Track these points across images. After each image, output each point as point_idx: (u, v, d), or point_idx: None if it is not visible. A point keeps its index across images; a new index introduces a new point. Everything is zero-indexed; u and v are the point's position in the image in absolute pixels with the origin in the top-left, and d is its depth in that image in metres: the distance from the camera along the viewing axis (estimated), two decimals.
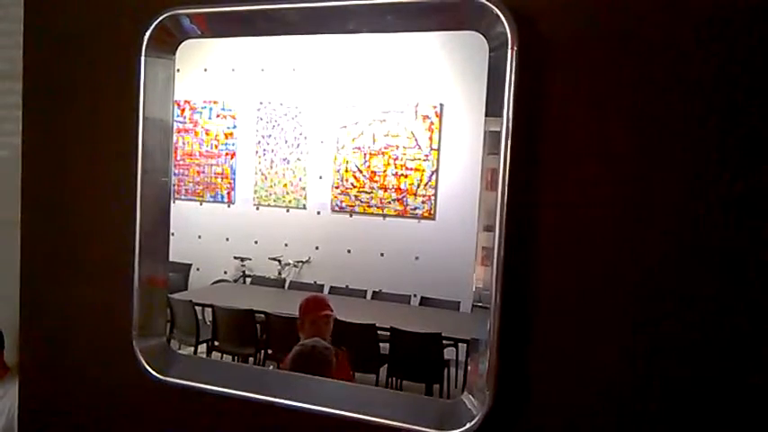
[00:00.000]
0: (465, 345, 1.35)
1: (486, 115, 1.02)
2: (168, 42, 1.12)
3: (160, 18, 1.08)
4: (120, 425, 1.21)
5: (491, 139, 1.01)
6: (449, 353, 1.54)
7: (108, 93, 1.18)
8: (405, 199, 1.65)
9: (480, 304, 1.02)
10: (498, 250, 0.96)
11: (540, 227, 0.99)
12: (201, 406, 1.14)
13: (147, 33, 1.09)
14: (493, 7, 0.95)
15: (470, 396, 1.01)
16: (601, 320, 0.97)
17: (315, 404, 1.05)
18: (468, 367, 1.07)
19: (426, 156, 1.64)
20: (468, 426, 0.96)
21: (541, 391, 1.00)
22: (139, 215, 1.12)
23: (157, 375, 1.11)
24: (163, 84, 1.15)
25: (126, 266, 1.12)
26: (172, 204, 1.82)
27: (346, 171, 1.71)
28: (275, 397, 1.07)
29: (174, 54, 1.15)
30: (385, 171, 1.66)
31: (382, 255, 1.70)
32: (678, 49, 0.91)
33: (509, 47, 0.94)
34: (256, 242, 1.84)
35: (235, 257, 1.84)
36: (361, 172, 1.69)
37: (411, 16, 1.04)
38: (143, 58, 1.10)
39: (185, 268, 1.81)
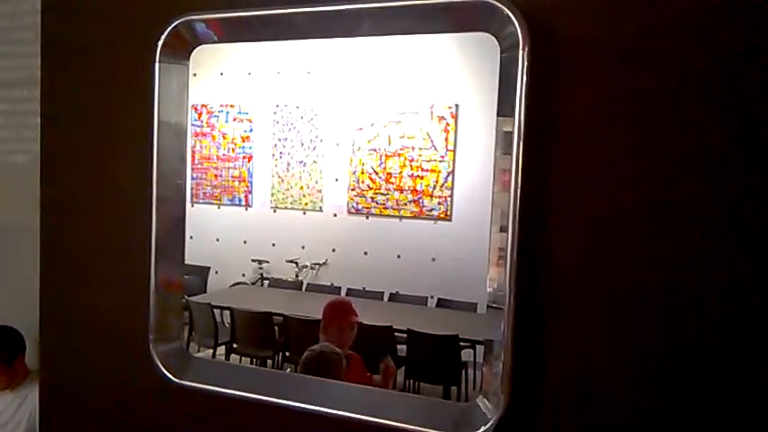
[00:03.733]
0: (483, 346, 1.34)
1: (499, 115, 1.01)
2: (182, 48, 1.13)
3: (173, 24, 1.09)
4: (138, 428, 1.23)
5: (504, 140, 1.00)
6: (467, 354, 1.53)
7: (123, 99, 1.19)
8: (421, 200, 1.65)
9: (495, 305, 1.02)
10: (511, 251, 0.96)
11: (554, 228, 0.98)
12: (218, 409, 1.15)
13: (161, 40, 1.10)
14: (503, 8, 0.94)
15: (485, 399, 1.01)
16: (616, 322, 0.96)
17: (330, 407, 1.05)
18: (484, 369, 1.06)
19: (442, 157, 1.64)
20: (482, 429, 0.96)
21: (556, 393, 0.99)
22: (155, 219, 1.13)
23: (174, 379, 1.12)
24: (177, 89, 1.16)
25: (142, 270, 1.13)
26: (190, 208, 1.84)
27: (362, 173, 1.71)
28: (290, 400, 1.07)
29: (188, 60, 1.16)
30: (401, 172, 1.66)
31: (399, 256, 1.70)
32: (689, 49, 0.90)
33: (520, 47, 0.94)
34: (274, 245, 1.85)
35: (252, 260, 1.85)
36: (377, 174, 1.69)
37: (421, 18, 1.04)
38: (157, 65, 1.11)
39: (204, 271, 1.83)
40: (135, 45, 1.16)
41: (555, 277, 0.98)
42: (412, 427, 1.00)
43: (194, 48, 1.15)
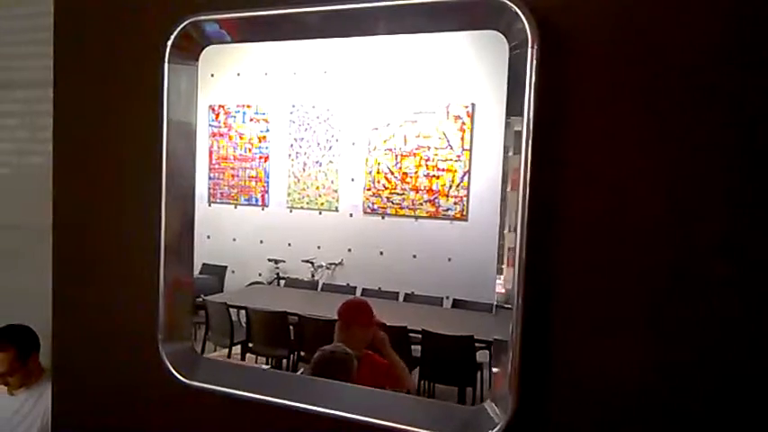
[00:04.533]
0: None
1: (508, 115, 1.00)
2: (191, 49, 1.13)
3: (182, 25, 1.10)
4: (148, 426, 1.24)
5: (515, 139, 0.99)
6: (482, 356, 1.52)
7: (134, 99, 1.21)
8: (437, 200, 1.64)
9: (507, 306, 1.01)
10: (520, 250, 0.94)
11: (564, 227, 0.97)
12: (226, 409, 1.15)
13: (170, 41, 1.10)
14: (512, 5, 0.93)
15: (493, 404, 0.99)
16: (627, 323, 0.94)
17: (337, 409, 1.05)
18: (494, 370, 1.05)
19: (458, 156, 1.62)
20: None
21: (566, 397, 0.98)
22: (164, 218, 1.13)
23: (183, 379, 1.13)
24: (187, 89, 1.16)
25: (151, 270, 1.14)
26: (208, 208, 1.86)
27: (378, 173, 1.70)
28: (298, 401, 1.07)
29: (197, 60, 1.16)
30: (416, 172, 1.65)
31: (414, 256, 1.69)
32: (698, 47, 0.88)
33: (529, 45, 0.92)
34: (290, 245, 1.85)
35: (269, 260, 1.85)
36: (392, 173, 1.68)
37: (429, 17, 1.03)
38: (166, 65, 1.11)
39: (221, 270, 1.84)
40: (145, 46, 1.17)
41: (564, 277, 0.97)
42: (418, 430, 0.99)
43: (203, 48, 1.15)
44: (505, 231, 1.03)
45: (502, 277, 1.03)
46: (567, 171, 0.96)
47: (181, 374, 1.14)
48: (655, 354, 0.93)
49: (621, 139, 0.93)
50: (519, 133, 0.96)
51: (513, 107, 0.98)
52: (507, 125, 1.01)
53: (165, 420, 1.22)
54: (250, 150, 1.91)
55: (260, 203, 1.92)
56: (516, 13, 0.93)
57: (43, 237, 1.35)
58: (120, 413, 1.27)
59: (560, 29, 0.94)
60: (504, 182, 1.02)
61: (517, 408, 0.95)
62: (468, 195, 1.62)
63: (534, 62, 0.93)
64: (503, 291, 1.03)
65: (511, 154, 1.01)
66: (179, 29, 1.10)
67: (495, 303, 1.04)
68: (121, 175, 1.24)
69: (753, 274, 0.87)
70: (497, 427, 0.95)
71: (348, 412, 1.04)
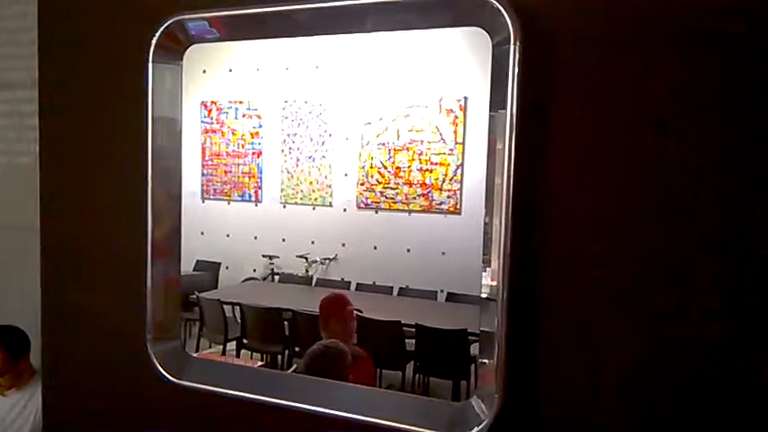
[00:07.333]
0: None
1: (491, 110, 1.00)
2: (174, 48, 1.13)
3: (165, 24, 1.09)
4: (137, 426, 1.24)
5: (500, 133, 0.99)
6: (476, 349, 1.52)
7: (118, 99, 1.21)
8: (430, 194, 1.63)
9: (493, 298, 1.01)
10: (505, 243, 0.95)
11: (549, 220, 0.97)
12: (215, 409, 1.16)
13: (154, 40, 1.10)
14: (494, 2, 0.93)
15: (480, 399, 0.99)
16: (613, 318, 0.94)
17: (326, 407, 1.05)
18: (480, 365, 1.05)
19: (451, 150, 1.62)
20: (475, 430, 0.95)
21: (553, 392, 0.98)
22: (151, 217, 1.14)
23: (172, 378, 1.13)
24: (171, 88, 1.17)
25: (139, 269, 1.14)
26: (201, 204, 1.86)
27: (371, 167, 1.70)
28: (286, 399, 1.07)
29: (182, 59, 1.16)
30: (410, 166, 1.64)
31: (408, 251, 1.69)
32: (682, 43, 0.88)
33: (511, 42, 0.92)
34: (284, 240, 1.85)
35: (263, 256, 1.85)
36: (385, 168, 1.68)
37: (412, 14, 1.03)
38: (150, 65, 1.11)
39: (215, 267, 1.84)
40: (129, 45, 1.17)
41: (550, 270, 0.97)
42: (405, 426, 1.00)
43: (187, 47, 1.15)
44: (494, 221, 1.03)
45: (489, 269, 1.04)
46: (551, 165, 0.96)
47: (169, 374, 1.14)
48: (642, 348, 0.93)
49: (605, 133, 0.93)
50: (502, 127, 0.96)
51: (497, 102, 0.98)
52: (491, 119, 1.02)
53: (154, 419, 1.23)
54: (243, 146, 1.90)
55: (253, 199, 1.92)
56: (498, 10, 0.93)
57: (32, 237, 1.35)
58: (109, 413, 1.27)
59: (543, 25, 0.94)
60: (489, 175, 1.02)
61: (504, 403, 0.95)
62: (461, 189, 1.61)
63: (517, 58, 0.93)
64: (492, 283, 1.03)
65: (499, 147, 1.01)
66: (162, 28, 1.10)
67: (481, 296, 1.04)
68: (108, 174, 1.24)
69: (747, 280, 0.87)
70: (484, 423, 0.95)
71: (335, 409, 1.04)
